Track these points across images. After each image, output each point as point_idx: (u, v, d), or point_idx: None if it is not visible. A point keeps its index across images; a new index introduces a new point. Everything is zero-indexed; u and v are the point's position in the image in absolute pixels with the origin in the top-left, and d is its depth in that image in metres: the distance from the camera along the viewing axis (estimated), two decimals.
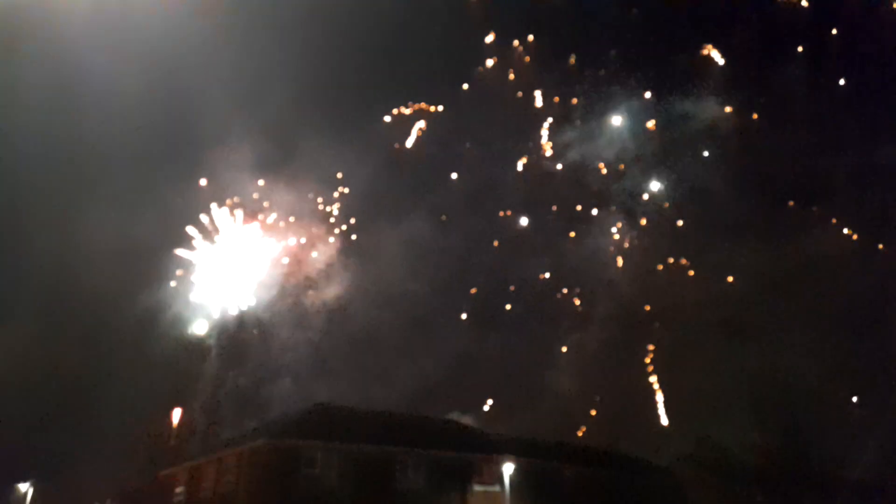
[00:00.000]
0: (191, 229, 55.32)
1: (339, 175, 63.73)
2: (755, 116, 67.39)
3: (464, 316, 67.94)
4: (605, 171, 68.99)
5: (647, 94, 69.81)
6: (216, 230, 55.57)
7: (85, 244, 53.79)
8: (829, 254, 57.87)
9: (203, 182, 57.33)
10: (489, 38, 68.01)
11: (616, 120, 69.45)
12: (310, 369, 60.42)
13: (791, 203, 65.27)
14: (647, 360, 63.64)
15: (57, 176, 55.33)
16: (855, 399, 51.54)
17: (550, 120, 70.25)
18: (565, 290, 68.78)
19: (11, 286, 57.79)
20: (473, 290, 68.23)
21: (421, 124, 67.95)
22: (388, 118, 66.69)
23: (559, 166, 70.03)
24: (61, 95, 52.05)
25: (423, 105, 67.91)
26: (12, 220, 55.61)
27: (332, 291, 61.22)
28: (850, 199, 61.41)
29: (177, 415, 53.01)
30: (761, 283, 59.61)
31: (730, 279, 62.96)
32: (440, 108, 69.22)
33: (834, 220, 62.02)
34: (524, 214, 71.07)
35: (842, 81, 64.97)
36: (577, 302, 68.20)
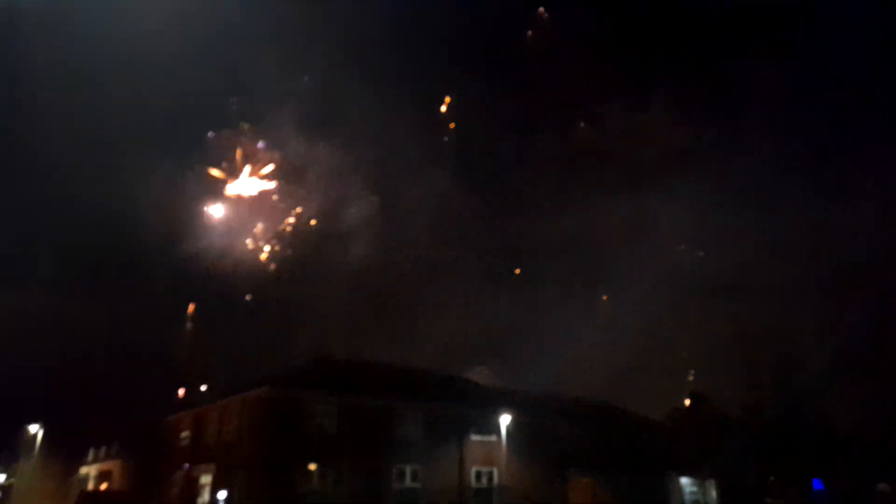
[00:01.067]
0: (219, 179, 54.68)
1: (375, 138, 63.07)
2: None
3: (488, 277, 69.00)
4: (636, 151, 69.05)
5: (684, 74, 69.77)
6: (247, 186, 54.68)
7: (104, 198, 53.63)
8: (826, 219, 58.05)
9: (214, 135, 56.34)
10: (541, 10, 66.70)
11: (653, 98, 69.21)
12: (328, 325, 61.21)
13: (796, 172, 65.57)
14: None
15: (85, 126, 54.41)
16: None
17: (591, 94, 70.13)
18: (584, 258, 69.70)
19: (28, 240, 58.05)
20: (517, 271, 69.13)
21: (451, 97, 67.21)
22: (444, 108, 65.83)
23: (597, 140, 70.30)
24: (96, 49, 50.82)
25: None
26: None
27: (357, 250, 61.25)
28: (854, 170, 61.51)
29: (185, 363, 53.82)
30: (759, 246, 60.03)
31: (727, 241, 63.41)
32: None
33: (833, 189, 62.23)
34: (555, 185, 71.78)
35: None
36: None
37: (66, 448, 52.61)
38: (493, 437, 37.29)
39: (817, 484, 47.31)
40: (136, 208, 53.34)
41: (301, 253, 58.05)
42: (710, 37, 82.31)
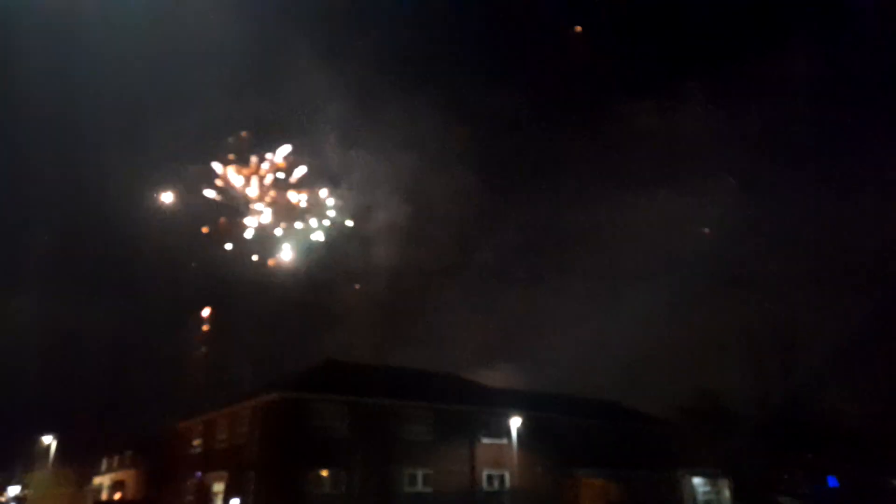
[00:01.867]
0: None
1: (403, 143, 62.84)
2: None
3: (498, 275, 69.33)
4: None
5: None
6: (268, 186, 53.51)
7: (119, 203, 53.24)
8: (834, 211, 57.94)
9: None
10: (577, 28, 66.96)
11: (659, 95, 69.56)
12: (341, 328, 61.17)
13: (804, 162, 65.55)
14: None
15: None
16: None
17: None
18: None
19: (32, 249, 58.02)
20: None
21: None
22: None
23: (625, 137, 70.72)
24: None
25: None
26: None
27: (374, 253, 60.85)
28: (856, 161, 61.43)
29: (196, 367, 53.69)
30: (767, 239, 59.96)
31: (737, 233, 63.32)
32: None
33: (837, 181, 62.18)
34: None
35: None
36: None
37: (79, 458, 53.00)
38: (504, 440, 37.25)
39: (832, 481, 47.00)
40: (151, 214, 52.92)
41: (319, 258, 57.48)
42: (720, 33, 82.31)
